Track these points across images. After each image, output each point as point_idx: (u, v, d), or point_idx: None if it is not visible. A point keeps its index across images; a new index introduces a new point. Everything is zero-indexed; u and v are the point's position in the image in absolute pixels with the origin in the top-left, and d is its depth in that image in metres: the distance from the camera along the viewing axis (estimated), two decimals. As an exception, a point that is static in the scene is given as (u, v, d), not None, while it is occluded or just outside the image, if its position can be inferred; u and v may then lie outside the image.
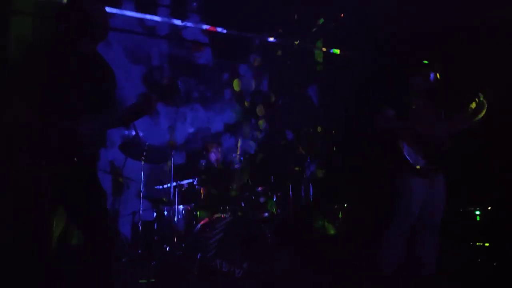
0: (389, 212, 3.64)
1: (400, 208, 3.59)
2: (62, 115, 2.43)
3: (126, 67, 5.73)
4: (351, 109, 6.22)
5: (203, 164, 5.03)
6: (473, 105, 3.62)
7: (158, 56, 6.16)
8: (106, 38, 2.79)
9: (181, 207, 4.55)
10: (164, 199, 4.75)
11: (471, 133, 3.77)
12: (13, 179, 2.31)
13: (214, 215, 4.47)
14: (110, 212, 4.62)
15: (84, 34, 2.64)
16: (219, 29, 6.17)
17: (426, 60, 3.76)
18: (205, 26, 6.23)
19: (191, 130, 6.26)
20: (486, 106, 3.58)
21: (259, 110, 6.71)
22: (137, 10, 5.81)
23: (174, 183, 4.81)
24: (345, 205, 5.64)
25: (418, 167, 3.56)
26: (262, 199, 4.66)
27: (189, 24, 6.09)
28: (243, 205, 4.70)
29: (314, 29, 6.87)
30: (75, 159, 2.38)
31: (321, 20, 6.74)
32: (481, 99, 3.58)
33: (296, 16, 6.71)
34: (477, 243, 4.58)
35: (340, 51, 6.85)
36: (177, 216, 4.43)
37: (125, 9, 5.74)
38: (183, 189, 4.92)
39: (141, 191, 4.74)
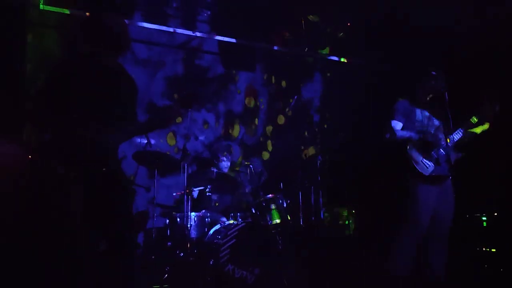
0: (399, 219, 3.71)
1: (410, 215, 3.66)
2: (91, 126, 2.54)
3: (143, 76, 5.84)
4: (360, 117, 6.30)
5: (215, 171, 5.12)
6: (474, 120, 3.73)
7: (173, 65, 6.26)
8: (127, 50, 2.89)
9: (193, 214, 4.64)
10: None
11: (476, 139, 3.86)
12: (50, 188, 2.43)
13: (226, 222, 4.57)
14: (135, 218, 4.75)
15: (107, 47, 2.76)
16: (227, 39, 6.26)
17: (433, 69, 3.85)
18: (215, 36, 6.32)
19: (202, 137, 6.36)
20: (491, 118, 3.68)
21: (268, 129, 6.82)
22: (148, 21, 5.92)
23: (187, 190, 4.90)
24: (353, 211, 5.73)
25: (426, 175, 3.65)
26: (272, 206, 4.75)
27: (199, 34, 6.19)
28: (253, 211, 4.79)
29: (321, 38, 6.96)
30: (103, 168, 2.50)
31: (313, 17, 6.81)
32: (485, 113, 3.69)
33: (303, 25, 6.80)
34: (484, 249, 4.61)
35: (347, 60, 6.93)
36: (190, 223, 4.52)
37: (137, 20, 5.87)
38: (195, 197, 5.03)
39: (154, 198, 4.84)
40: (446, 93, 3.70)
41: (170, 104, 2.88)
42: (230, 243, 4.20)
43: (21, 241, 2.61)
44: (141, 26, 5.81)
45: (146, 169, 5.57)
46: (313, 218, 5.55)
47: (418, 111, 3.84)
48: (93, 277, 2.62)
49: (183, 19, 6.17)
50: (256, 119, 6.77)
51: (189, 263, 4.31)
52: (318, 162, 5.63)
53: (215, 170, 5.22)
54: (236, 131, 6.59)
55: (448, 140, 3.68)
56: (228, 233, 4.25)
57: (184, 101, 2.92)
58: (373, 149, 5.38)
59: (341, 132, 6.65)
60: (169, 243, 4.57)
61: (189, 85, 6.16)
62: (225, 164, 5.40)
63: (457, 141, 3.76)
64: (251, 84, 6.82)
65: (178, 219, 4.66)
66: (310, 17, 6.72)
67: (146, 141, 5.00)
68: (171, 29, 5.98)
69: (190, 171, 5.39)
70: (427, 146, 3.69)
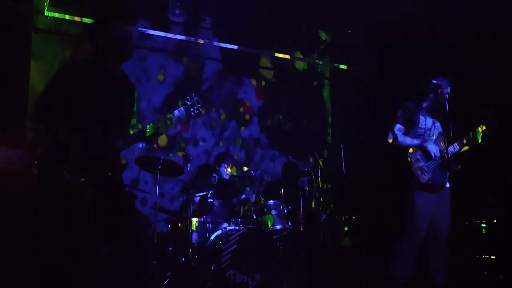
0: (399, 226, 3.74)
1: (409, 222, 3.69)
2: (97, 132, 2.58)
3: (144, 82, 5.87)
4: (360, 123, 6.33)
5: (216, 177, 5.16)
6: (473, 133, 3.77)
7: (175, 72, 6.30)
8: (131, 57, 2.94)
9: (194, 219, 4.66)
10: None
11: (475, 148, 3.89)
12: (56, 192, 2.47)
13: (227, 227, 4.60)
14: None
15: (112, 54, 2.80)
16: (229, 46, 6.31)
17: (435, 76, 3.88)
18: (217, 43, 6.37)
19: (204, 143, 6.39)
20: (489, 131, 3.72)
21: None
22: (151, 27, 5.98)
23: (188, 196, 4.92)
24: (353, 217, 5.75)
25: (424, 182, 3.68)
26: (273, 212, 4.77)
27: (201, 40, 6.24)
28: (255, 217, 4.82)
29: (321, 46, 7.02)
30: (109, 173, 2.54)
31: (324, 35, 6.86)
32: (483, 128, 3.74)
33: (304, 31, 6.85)
34: (483, 256, 4.63)
35: (347, 66, 6.97)
36: (191, 228, 4.54)
37: (140, 26, 5.92)
38: (196, 202, 5.05)
39: (156, 203, 4.86)
40: (447, 102, 3.73)
41: (171, 112, 2.91)
42: (231, 248, 4.22)
43: (24, 242, 2.65)
44: (144, 32, 5.86)
45: (148, 174, 5.60)
46: (313, 223, 5.57)
47: (421, 117, 3.87)
48: (95, 281, 2.66)
49: (186, 25, 6.21)
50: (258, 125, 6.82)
51: (190, 268, 4.32)
52: (319, 168, 5.65)
53: (215, 175, 5.25)
54: (238, 140, 6.62)
55: (446, 152, 3.71)
56: (230, 238, 4.26)
57: (187, 107, 2.96)
58: (374, 154, 5.42)
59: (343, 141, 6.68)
60: (170, 248, 4.59)
61: (192, 92, 6.17)
62: (227, 170, 5.44)
63: (453, 154, 3.78)
64: (254, 90, 6.85)
65: (180, 224, 4.68)
66: (321, 34, 6.79)
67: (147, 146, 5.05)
68: (173, 35, 6.03)
69: (191, 176, 5.43)
70: (426, 154, 3.73)
